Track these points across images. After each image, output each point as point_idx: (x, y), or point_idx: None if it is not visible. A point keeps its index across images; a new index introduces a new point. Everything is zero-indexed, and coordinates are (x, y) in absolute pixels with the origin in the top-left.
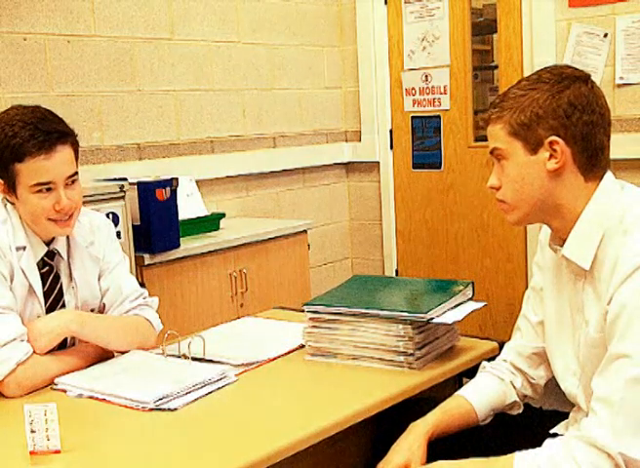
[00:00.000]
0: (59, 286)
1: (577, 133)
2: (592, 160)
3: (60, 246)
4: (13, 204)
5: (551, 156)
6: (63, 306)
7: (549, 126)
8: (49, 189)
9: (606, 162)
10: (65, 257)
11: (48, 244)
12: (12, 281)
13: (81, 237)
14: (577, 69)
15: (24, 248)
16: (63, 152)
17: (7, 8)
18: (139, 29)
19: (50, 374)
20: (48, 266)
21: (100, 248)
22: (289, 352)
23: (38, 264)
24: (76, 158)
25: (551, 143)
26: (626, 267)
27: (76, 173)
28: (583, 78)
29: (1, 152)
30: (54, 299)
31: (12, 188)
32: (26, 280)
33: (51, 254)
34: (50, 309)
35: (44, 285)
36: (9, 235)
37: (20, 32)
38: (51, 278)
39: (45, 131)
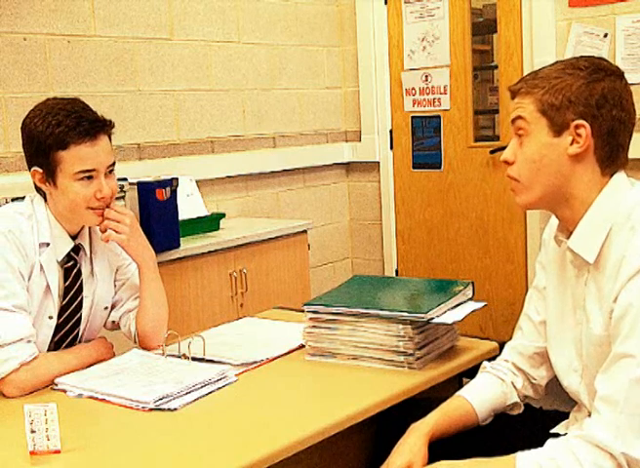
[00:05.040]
0: (79, 281)
1: (603, 125)
2: (612, 156)
3: (84, 241)
4: (44, 196)
5: (574, 141)
6: (80, 303)
7: (579, 112)
8: (90, 177)
9: (624, 160)
10: (88, 253)
11: (73, 238)
12: (29, 279)
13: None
14: (612, 64)
15: (47, 244)
16: (105, 141)
17: (7, 8)
18: (139, 29)
19: (50, 376)
20: (73, 261)
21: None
22: (289, 352)
23: (63, 259)
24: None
25: (577, 127)
26: (633, 265)
27: (114, 163)
28: (618, 73)
29: (44, 140)
30: (72, 295)
31: (51, 177)
32: (45, 279)
33: (76, 249)
34: (66, 306)
35: (66, 279)
36: (34, 232)
37: (20, 32)
38: (74, 273)
39: (89, 119)
